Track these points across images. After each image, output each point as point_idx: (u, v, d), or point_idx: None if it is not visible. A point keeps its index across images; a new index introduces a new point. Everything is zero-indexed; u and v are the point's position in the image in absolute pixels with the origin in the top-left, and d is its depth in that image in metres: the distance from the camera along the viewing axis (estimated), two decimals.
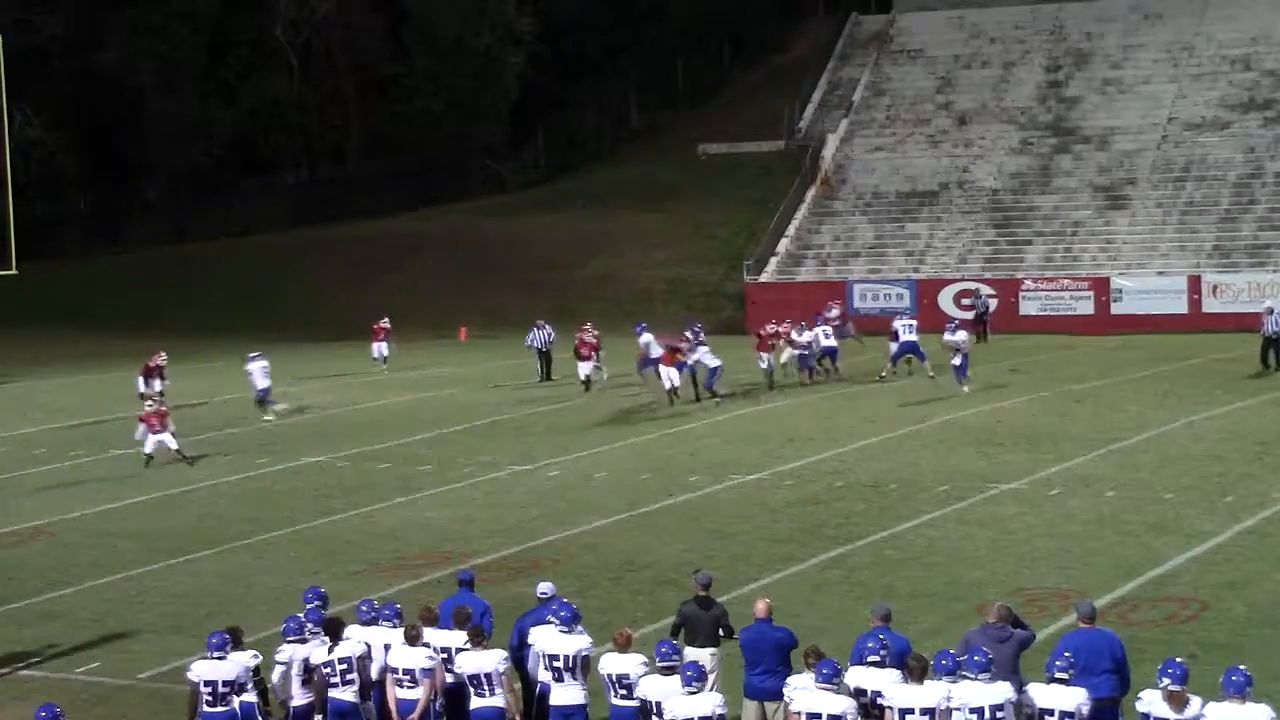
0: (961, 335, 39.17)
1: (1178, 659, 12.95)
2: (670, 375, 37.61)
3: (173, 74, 77.55)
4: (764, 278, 60.19)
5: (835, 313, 45.01)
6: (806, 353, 41.15)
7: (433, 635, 15.24)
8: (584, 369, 41.28)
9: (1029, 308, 55.73)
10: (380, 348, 48.06)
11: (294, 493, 29.56)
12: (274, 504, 28.57)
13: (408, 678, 14.88)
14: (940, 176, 64.81)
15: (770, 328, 41.64)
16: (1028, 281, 56.58)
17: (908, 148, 67.18)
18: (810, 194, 65.22)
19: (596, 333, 42.26)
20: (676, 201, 68.16)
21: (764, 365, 40.66)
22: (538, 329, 45.09)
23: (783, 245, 62.26)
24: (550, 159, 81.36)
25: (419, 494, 29.00)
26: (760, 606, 15.24)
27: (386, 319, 48.71)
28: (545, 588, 16.13)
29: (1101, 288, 55.12)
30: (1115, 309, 54.56)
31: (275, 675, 15.15)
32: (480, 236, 68.97)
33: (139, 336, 53.79)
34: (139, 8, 76.60)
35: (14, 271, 48.10)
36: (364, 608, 15.78)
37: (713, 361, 37.89)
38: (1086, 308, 55.00)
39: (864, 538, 24.15)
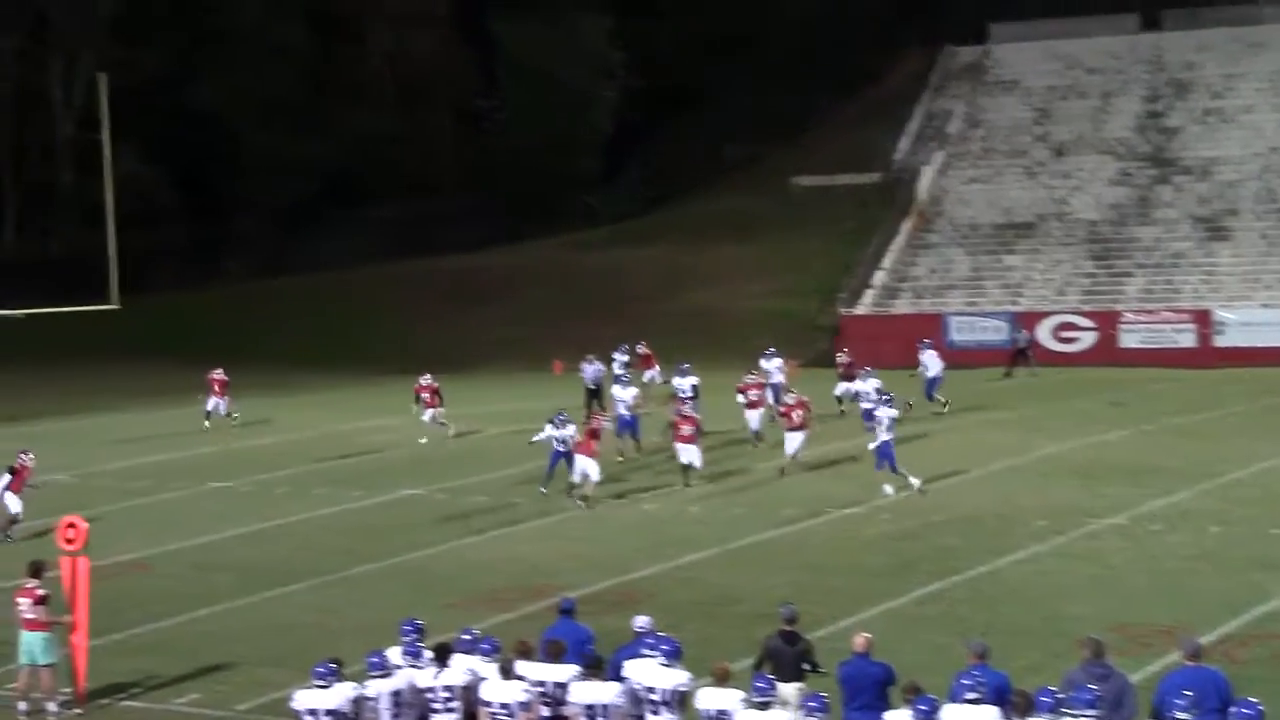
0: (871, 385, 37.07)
1: (1252, 699, 12.74)
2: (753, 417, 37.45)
3: (268, 109, 78.45)
4: (859, 310, 59.88)
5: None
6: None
7: (529, 668, 15.19)
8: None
9: (1129, 340, 55.01)
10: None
11: (390, 525, 29.64)
12: (370, 536, 28.66)
13: (504, 712, 14.84)
14: (1037, 208, 64.24)
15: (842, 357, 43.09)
16: (1127, 314, 55.90)
17: (1004, 179, 66.69)
18: (905, 226, 64.87)
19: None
20: (770, 234, 67.98)
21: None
22: (587, 364, 44.89)
23: (878, 277, 61.92)
24: (643, 192, 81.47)
25: (514, 527, 29.01)
26: (859, 641, 15.10)
27: (429, 377, 42.66)
28: (642, 621, 16.05)
29: (1203, 320, 54.35)
30: (1218, 341, 53.74)
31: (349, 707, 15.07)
32: (573, 269, 69.12)
33: (233, 369, 54.31)
34: (235, 44, 77.58)
35: (116, 305, 48.71)
36: (464, 639, 15.76)
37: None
38: (1188, 340, 54.21)
39: (961, 572, 23.90)
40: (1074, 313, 56.48)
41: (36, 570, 19.59)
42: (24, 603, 19.15)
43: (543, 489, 31.29)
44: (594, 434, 31.43)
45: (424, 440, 39.44)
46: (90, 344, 60.64)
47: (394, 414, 44.49)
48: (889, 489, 30.29)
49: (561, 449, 31.26)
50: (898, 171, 69.24)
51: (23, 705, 18.94)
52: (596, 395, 43.55)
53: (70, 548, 19.51)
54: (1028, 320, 56.00)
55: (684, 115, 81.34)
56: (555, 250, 72.96)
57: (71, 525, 19.64)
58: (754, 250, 67.06)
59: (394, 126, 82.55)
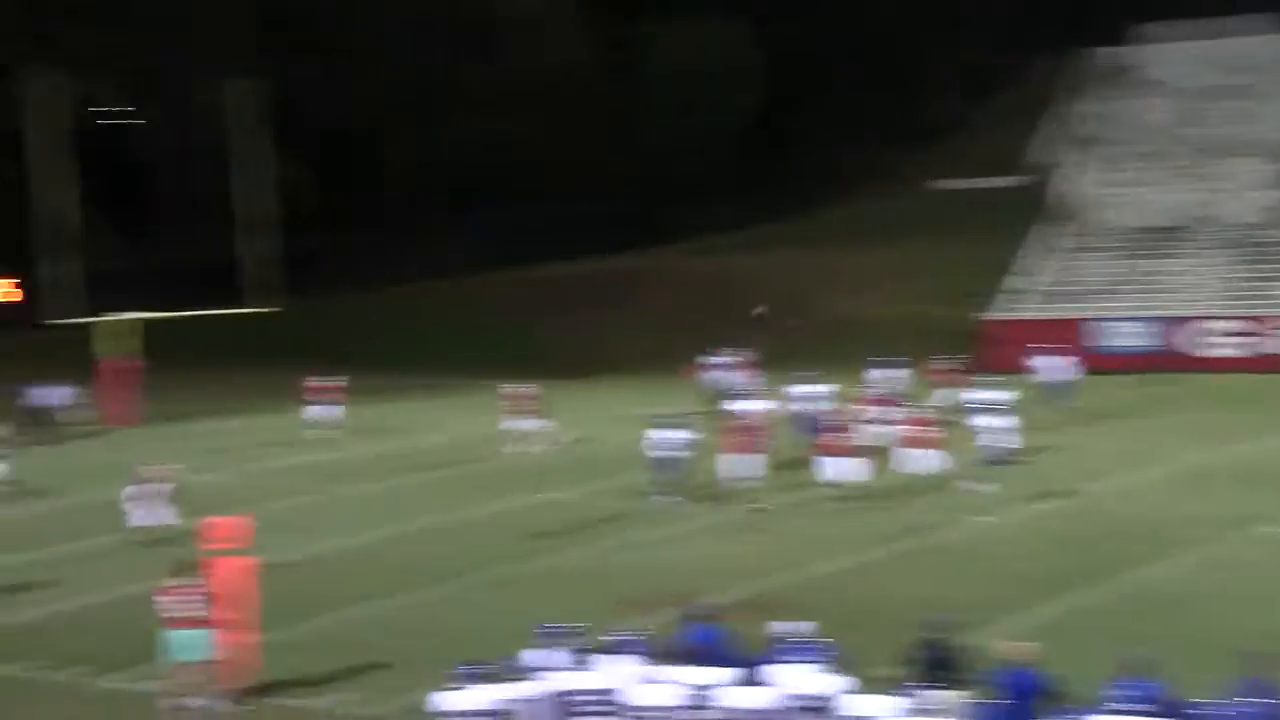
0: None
1: None
2: None
3: (405, 115, 79.37)
4: (1001, 314, 59.25)
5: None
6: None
7: (676, 672, 15.21)
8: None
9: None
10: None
11: (535, 528, 29.80)
12: (518, 538, 28.84)
13: (651, 715, 14.86)
14: (1183, 211, 63.18)
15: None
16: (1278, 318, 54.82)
17: (1149, 182, 65.64)
18: (1047, 229, 64.11)
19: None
20: (908, 238, 67.47)
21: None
22: (714, 368, 44.66)
23: (1019, 282, 61.25)
24: (780, 196, 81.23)
25: (659, 530, 29.05)
26: (1016, 650, 14.96)
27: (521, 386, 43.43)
28: (791, 628, 16.01)
29: None
30: None
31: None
32: (708, 274, 69.01)
33: (374, 373, 54.97)
34: (374, 51, 78.47)
35: (279, 309, 49.60)
36: (608, 643, 15.82)
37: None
38: None
39: (1116, 580, 23.56)
40: (1223, 317, 55.48)
41: (189, 568, 19.93)
42: (178, 600, 19.49)
43: (670, 496, 31.18)
44: (739, 431, 30.91)
45: (538, 449, 39.26)
46: (243, 347, 61.54)
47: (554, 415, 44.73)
48: (978, 487, 29.94)
49: (682, 454, 31.22)
50: (1039, 175, 68.46)
51: (190, 701, 19.32)
52: (725, 399, 42.20)
53: (230, 547, 19.87)
54: (1174, 325, 55.11)
55: (823, 119, 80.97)
56: (690, 255, 72.91)
57: (231, 524, 20.02)
58: (892, 255, 66.59)
59: (529, 130, 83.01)
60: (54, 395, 45.31)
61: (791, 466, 33.28)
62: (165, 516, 29.11)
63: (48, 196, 48.48)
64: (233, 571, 19.80)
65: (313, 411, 43.23)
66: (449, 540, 29.18)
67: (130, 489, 29.52)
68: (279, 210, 51.75)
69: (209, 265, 59.35)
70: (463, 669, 15.10)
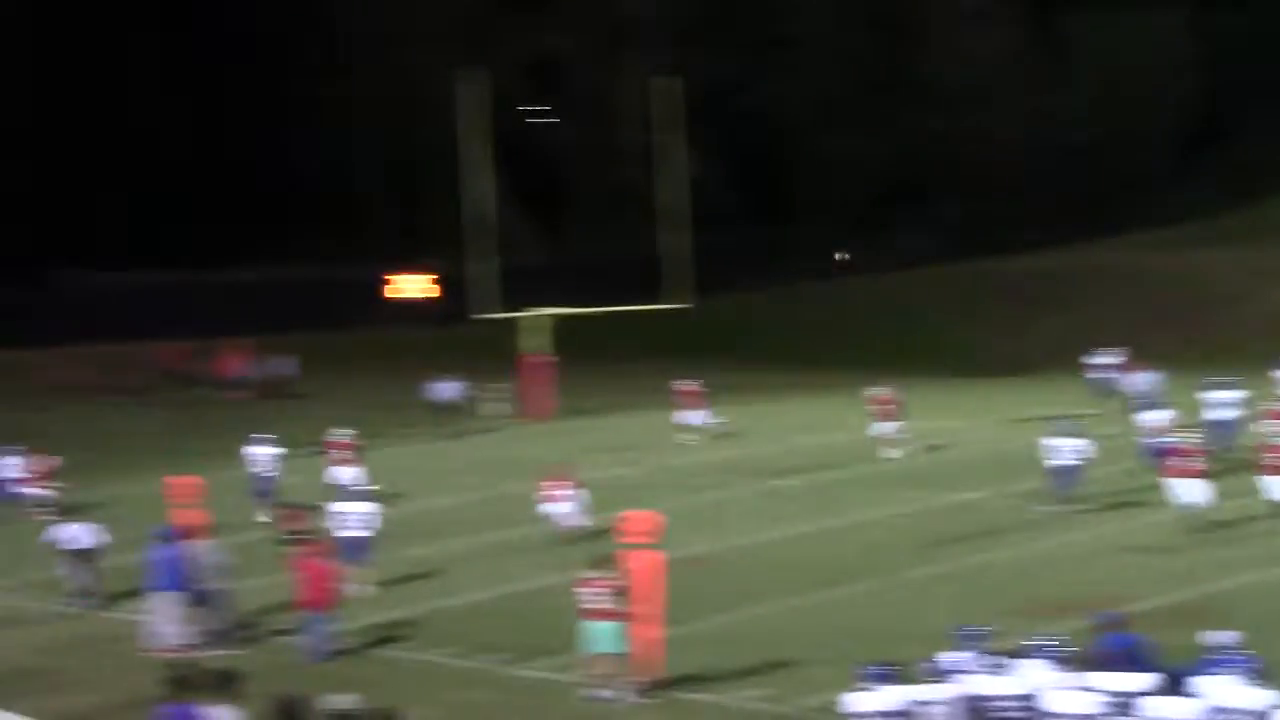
0: None
1: None
2: None
3: (830, 110, 79.32)
4: None
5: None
6: None
7: (1097, 678, 14.64)
8: None
9: None
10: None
11: (948, 528, 29.24)
12: (928, 539, 28.35)
13: None
14: None
15: None
16: None
17: None
18: None
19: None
20: None
21: None
22: (1129, 371, 42.95)
23: None
24: (1221, 189, 77.87)
25: (1076, 535, 28.12)
26: None
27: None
28: (1220, 638, 15.17)
29: None
30: None
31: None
32: (1143, 271, 66.57)
33: (789, 370, 54.97)
34: (798, 47, 78.70)
35: (689, 305, 50.12)
36: (1029, 645, 15.33)
37: None
38: None
39: None
40: None
41: (603, 562, 20.15)
42: (592, 592, 19.75)
43: (1065, 505, 30.09)
44: (1178, 453, 28.53)
45: (895, 454, 38.22)
46: (654, 343, 62.47)
47: (958, 416, 43.95)
48: None
49: (1074, 461, 30.12)
50: None
51: (602, 692, 19.56)
52: (1131, 408, 39.28)
53: (641, 541, 20.04)
54: None
55: (1266, 108, 77.31)
56: (1123, 251, 70.52)
57: (644, 519, 20.18)
58: None
59: (956, 125, 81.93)
60: (451, 390, 46.99)
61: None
62: (577, 518, 29.59)
63: (471, 194, 50.10)
64: (644, 565, 19.93)
65: (683, 415, 43.18)
66: (848, 541, 28.89)
67: (548, 488, 30.04)
68: (696, 206, 52.22)
69: (625, 261, 60.45)
70: (872, 669, 14.82)
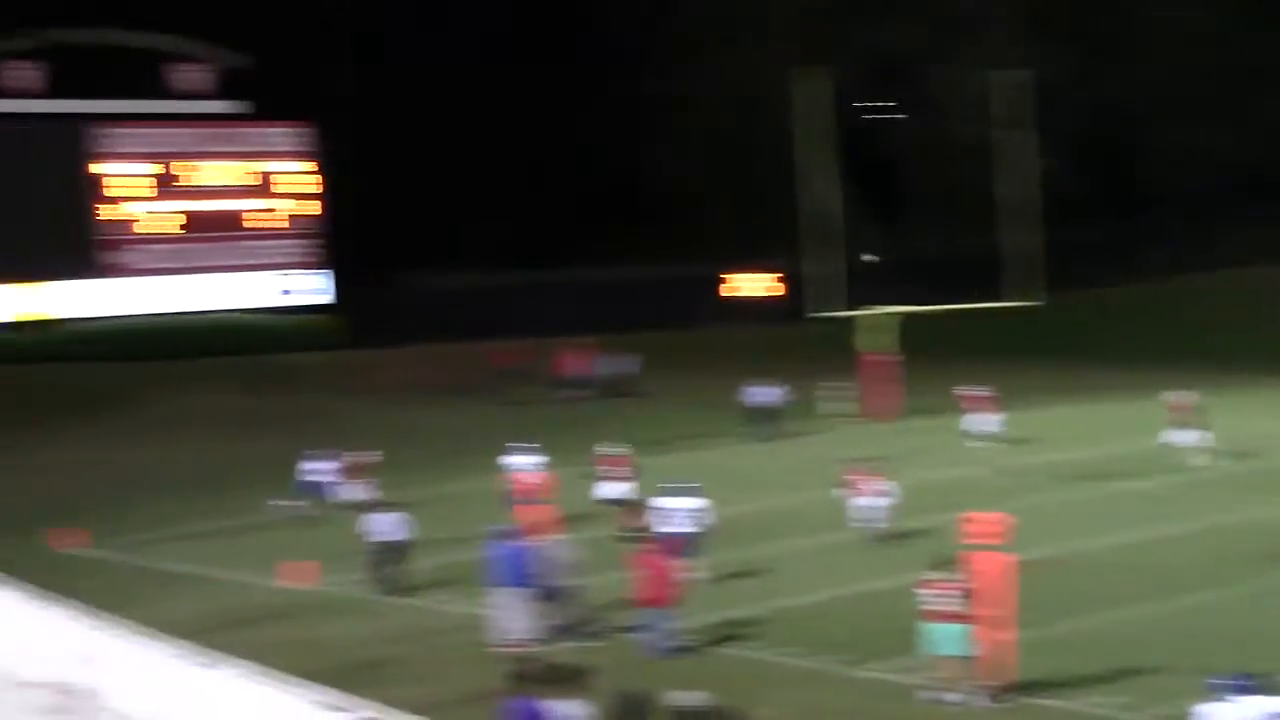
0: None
1: None
2: None
3: (1182, 100, 76.82)
4: None
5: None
6: None
7: None
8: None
9: None
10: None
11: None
12: (1273, 549, 27.13)
13: None
14: None
15: None
16: None
17: None
18: None
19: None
20: None
21: None
22: None
23: None
24: None
25: None
26: None
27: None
28: None
29: None
30: None
31: None
32: None
33: (1138, 369, 53.32)
34: (1148, 35, 76.23)
35: (1041, 302, 49.00)
36: None
37: None
38: None
39: None
40: None
41: (949, 563, 19.79)
42: (935, 594, 19.42)
43: None
44: None
45: (1201, 461, 36.13)
46: (1002, 341, 61.19)
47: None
48: None
49: None
50: None
51: (948, 695, 19.27)
52: None
53: (989, 542, 19.64)
54: None
55: None
56: None
57: (991, 520, 19.80)
58: None
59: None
60: (770, 394, 46.30)
61: None
62: (884, 517, 29.21)
63: (813, 192, 49.88)
64: (992, 567, 19.52)
65: (970, 420, 41.78)
66: (1192, 549, 27.82)
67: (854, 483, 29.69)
68: (1042, 201, 51.03)
69: (967, 258, 59.41)
70: (1230, 679, 14.22)
